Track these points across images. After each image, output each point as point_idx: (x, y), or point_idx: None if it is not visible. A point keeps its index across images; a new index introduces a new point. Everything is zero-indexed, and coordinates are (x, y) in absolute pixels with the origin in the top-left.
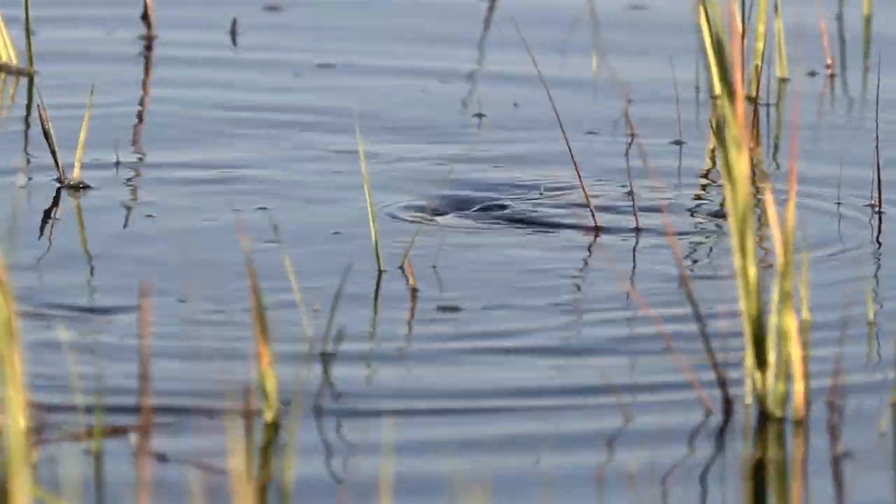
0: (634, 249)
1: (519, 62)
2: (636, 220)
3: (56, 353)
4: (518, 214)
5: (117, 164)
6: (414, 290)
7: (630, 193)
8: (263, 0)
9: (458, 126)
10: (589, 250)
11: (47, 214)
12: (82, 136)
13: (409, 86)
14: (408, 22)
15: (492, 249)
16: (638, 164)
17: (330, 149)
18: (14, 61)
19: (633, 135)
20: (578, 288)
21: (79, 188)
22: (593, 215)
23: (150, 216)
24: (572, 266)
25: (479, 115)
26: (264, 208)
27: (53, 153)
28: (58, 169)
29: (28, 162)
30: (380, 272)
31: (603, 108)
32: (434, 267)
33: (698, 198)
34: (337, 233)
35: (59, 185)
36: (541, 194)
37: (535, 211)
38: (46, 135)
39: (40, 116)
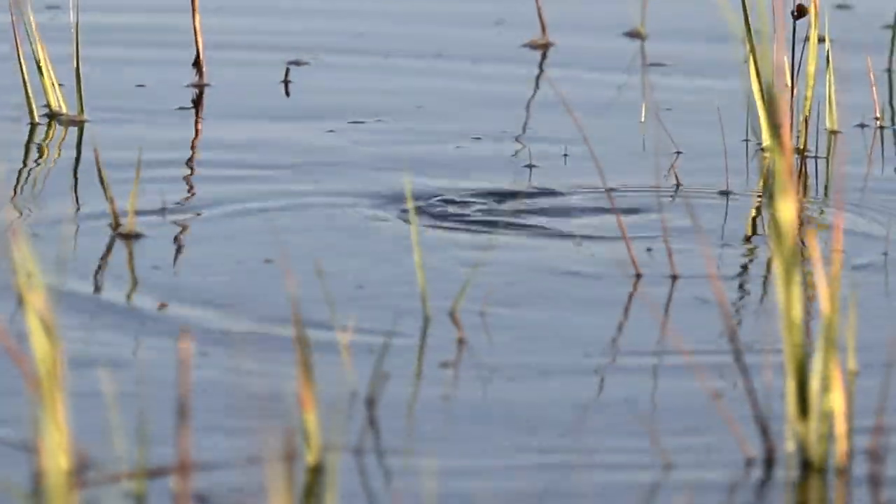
0: (673, 297)
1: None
2: (672, 267)
3: (98, 396)
4: (556, 264)
5: (163, 210)
6: (461, 340)
7: (668, 241)
8: (318, 45)
9: (510, 175)
10: (629, 298)
11: (99, 261)
12: (135, 186)
13: (453, 133)
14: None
15: (532, 299)
16: (683, 214)
17: (377, 193)
18: (63, 108)
19: (678, 184)
20: (618, 334)
21: (131, 236)
22: (634, 263)
23: (196, 263)
24: (612, 313)
25: (530, 166)
26: (310, 252)
27: (110, 200)
28: (113, 217)
29: (78, 209)
30: (426, 318)
31: (650, 158)
32: (482, 313)
33: (744, 249)
34: (379, 279)
35: (112, 231)
36: (578, 244)
37: (573, 258)
38: (102, 182)
39: (97, 163)
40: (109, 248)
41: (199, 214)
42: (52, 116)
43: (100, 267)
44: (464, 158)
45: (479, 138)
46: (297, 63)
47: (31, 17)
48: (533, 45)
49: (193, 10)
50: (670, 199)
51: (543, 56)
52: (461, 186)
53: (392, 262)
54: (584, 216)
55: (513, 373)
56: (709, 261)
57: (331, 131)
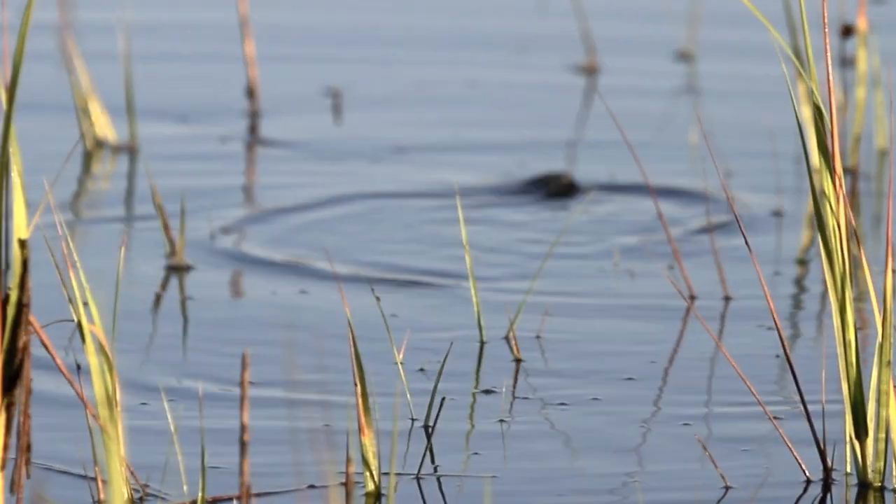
0: (727, 318)
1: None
2: (725, 288)
3: (158, 424)
4: (607, 287)
5: (213, 238)
6: (518, 361)
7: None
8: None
9: (556, 198)
10: (683, 319)
11: (153, 292)
12: (182, 220)
13: (499, 152)
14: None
15: (587, 320)
16: (736, 235)
17: (429, 219)
18: (113, 138)
19: (730, 205)
20: (673, 356)
21: (182, 269)
22: (688, 284)
23: (250, 295)
24: (666, 335)
25: (577, 187)
26: (367, 283)
27: (165, 229)
28: (169, 245)
29: (132, 238)
30: (482, 343)
31: (700, 178)
32: (538, 337)
33: (797, 269)
34: (437, 303)
35: (165, 261)
36: (616, 264)
37: (625, 280)
38: (159, 210)
39: (152, 193)
40: (162, 278)
41: (249, 244)
42: (105, 144)
43: (153, 296)
44: (508, 183)
45: (527, 159)
46: (336, 93)
47: (72, 47)
48: (581, 68)
49: (246, 37)
50: (722, 219)
51: (592, 78)
52: (509, 208)
53: (448, 292)
54: (635, 236)
55: (569, 396)
56: (763, 282)
57: (376, 160)
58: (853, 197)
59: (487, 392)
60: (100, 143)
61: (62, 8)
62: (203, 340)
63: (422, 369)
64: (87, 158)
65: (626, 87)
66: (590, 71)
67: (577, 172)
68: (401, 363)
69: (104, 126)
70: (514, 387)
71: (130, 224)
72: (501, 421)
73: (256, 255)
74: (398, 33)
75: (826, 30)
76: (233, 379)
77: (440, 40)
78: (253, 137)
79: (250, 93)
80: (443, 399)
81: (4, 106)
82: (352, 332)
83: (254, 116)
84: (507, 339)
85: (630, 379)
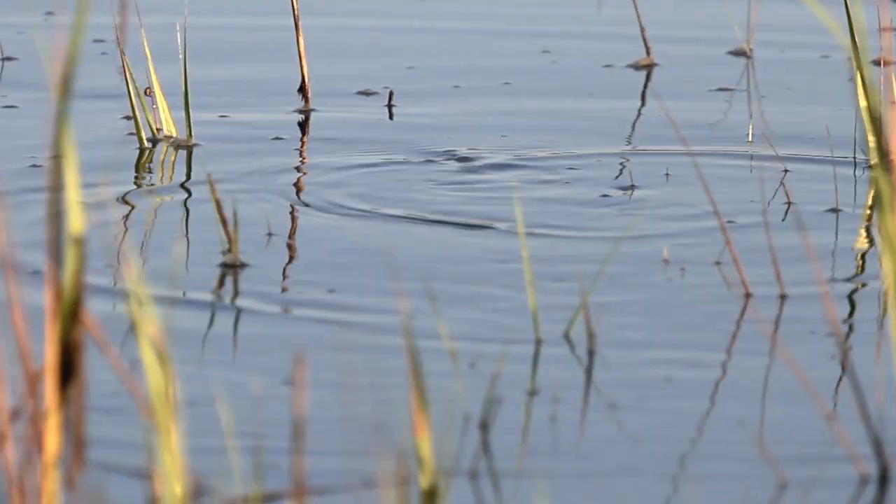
0: (783, 317)
1: (672, 133)
2: (781, 286)
3: (213, 423)
4: (662, 285)
5: (269, 235)
6: (574, 358)
7: (776, 260)
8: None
9: (605, 198)
10: (739, 318)
11: (208, 288)
12: (236, 217)
13: (557, 166)
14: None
15: (642, 321)
16: (793, 232)
17: (482, 212)
18: (174, 133)
19: (789, 203)
20: (728, 355)
21: (237, 265)
22: (744, 283)
23: (303, 293)
24: (722, 333)
25: (631, 187)
26: (420, 280)
27: (224, 223)
28: (230, 243)
29: (188, 235)
30: (538, 340)
31: (757, 176)
32: (592, 335)
33: (854, 267)
34: (495, 300)
35: (221, 257)
36: (682, 270)
37: (680, 278)
38: (216, 206)
39: (211, 190)
40: (217, 275)
41: (303, 239)
42: (161, 140)
43: (209, 292)
44: (564, 178)
45: (581, 158)
46: (390, 100)
47: (145, 40)
48: (637, 66)
49: (298, 35)
50: (778, 217)
51: (648, 76)
52: (565, 205)
53: (502, 278)
54: (690, 235)
55: (624, 394)
56: (819, 280)
57: (429, 161)
58: None
59: (540, 391)
60: (156, 139)
61: (119, 7)
62: (257, 338)
63: (473, 365)
64: (143, 154)
65: (681, 84)
66: (646, 67)
67: (632, 169)
68: (453, 357)
69: (160, 121)
70: (570, 385)
71: (186, 220)
72: (556, 419)
73: (311, 252)
74: (444, 36)
75: (886, 31)
76: (287, 375)
77: (494, 34)
78: (306, 133)
79: (303, 89)
80: (498, 398)
81: (58, 100)
82: (407, 325)
83: (307, 113)
84: (565, 335)
85: (685, 377)
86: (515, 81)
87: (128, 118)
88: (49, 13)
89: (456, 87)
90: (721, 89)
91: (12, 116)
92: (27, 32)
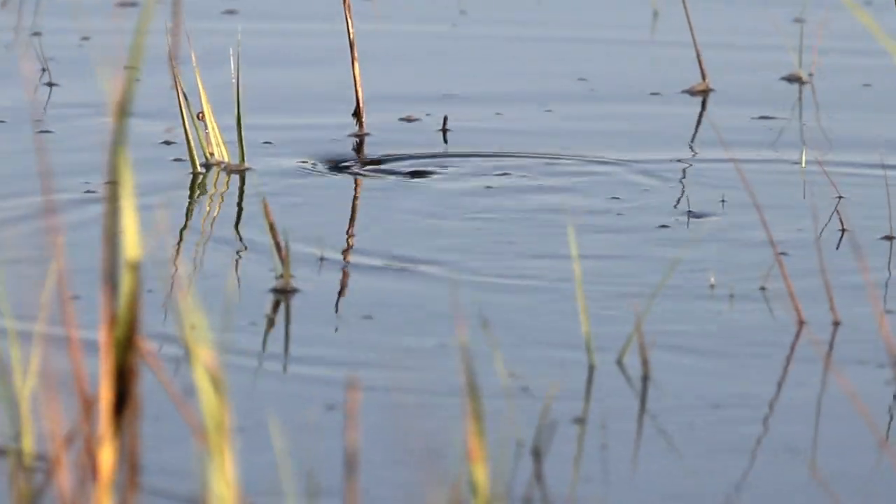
0: (837, 344)
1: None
2: (835, 313)
3: (266, 450)
4: (714, 310)
5: (322, 260)
6: (627, 386)
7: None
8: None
9: (668, 217)
10: (793, 345)
11: (261, 314)
12: (287, 243)
13: (611, 173)
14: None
15: (696, 347)
16: (847, 259)
17: (539, 253)
18: (226, 158)
19: (843, 229)
20: (783, 379)
21: (290, 291)
22: (797, 310)
23: (354, 319)
24: (775, 359)
25: (689, 213)
26: (476, 299)
27: (277, 248)
28: (284, 268)
29: (241, 260)
30: (591, 367)
31: (811, 202)
32: (645, 362)
33: None
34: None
35: (273, 282)
36: (731, 297)
37: (731, 304)
38: (270, 231)
39: (265, 213)
40: (270, 300)
41: (356, 267)
42: (213, 165)
43: (261, 317)
44: (616, 206)
45: (636, 181)
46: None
47: (196, 67)
48: (693, 91)
49: (353, 59)
50: (832, 243)
51: (704, 101)
52: (620, 233)
53: (557, 307)
54: (743, 262)
55: (675, 421)
56: (875, 307)
57: (489, 187)
58: None
59: (591, 418)
60: (208, 163)
61: (173, 35)
62: (308, 364)
63: (525, 388)
64: (196, 178)
65: (736, 109)
66: (701, 92)
67: (690, 193)
68: (507, 380)
69: (213, 146)
70: (622, 412)
71: (239, 245)
72: (607, 446)
73: (363, 277)
74: (506, 64)
75: None
76: (338, 401)
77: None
78: (360, 160)
79: (357, 115)
80: (553, 423)
81: (115, 126)
82: (465, 352)
83: (361, 138)
84: (618, 362)
85: (737, 402)
86: (557, 108)
87: (167, 143)
88: (84, 38)
89: (498, 114)
90: (768, 117)
91: (61, 140)
92: (60, 59)
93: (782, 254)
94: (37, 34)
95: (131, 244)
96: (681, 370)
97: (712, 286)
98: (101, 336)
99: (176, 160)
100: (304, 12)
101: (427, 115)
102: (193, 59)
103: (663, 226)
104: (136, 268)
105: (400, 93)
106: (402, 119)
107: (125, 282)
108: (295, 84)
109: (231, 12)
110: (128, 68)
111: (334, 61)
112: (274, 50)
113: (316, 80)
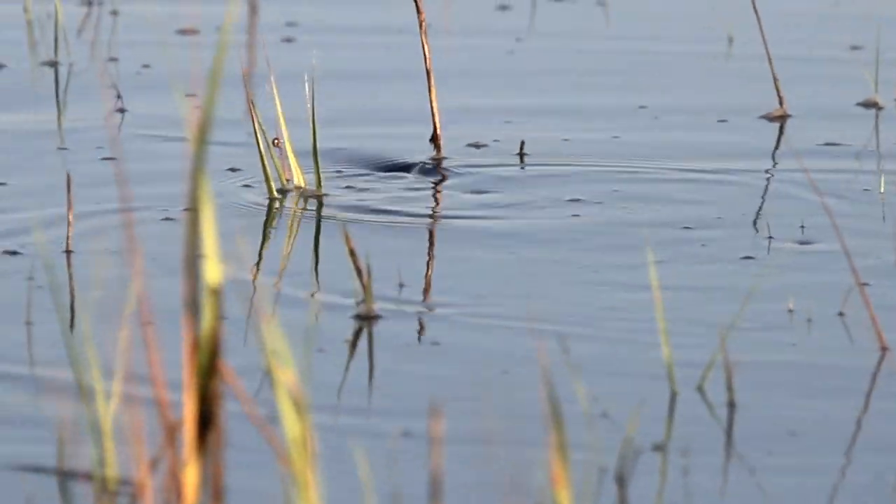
0: None
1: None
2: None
3: (349, 475)
4: (795, 340)
5: (401, 286)
6: (708, 412)
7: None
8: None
9: (747, 245)
10: (875, 372)
11: (342, 340)
12: (368, 268)
13: (688, 205)
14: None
15: (776, 371)
16: None
17: (610, 264)
18: (303, 184)
19: None
20: (864, 411)
21: (371, 317)
22: (880, 337)
23: (436, 345)
24: (856, 388)
25: (769, 237)
26: (556, 333)
27: (358, 274)
28: (366, 295)
29: (320, 286)
30: (673, 393)
31: (892, 232)
32: (728, 388)
33: None
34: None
35: (354, 309)
36: (808, 321)
37: (808, 335)
38: (351, 256)
39: (346, 240)
40: (352, 326)
41: (436, 289)
42: (290, 191)
43: (343, 343)
44: (691, 237)
45: (718, 218)
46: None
47: (276, 91)
48: (770, 117)
49: (430, 85)
50: None
51: (781, 128)
52: (702, 263)
53: (637, 330)
54: (824, 289)
55: (757, 447)
56: None
57: (575, 215)
58: None
59: (673, 444)
60: (285, 189)
61: (247, 59)
62: (391, 390)
63: (605, 415)
64: (273, 204)
65: (814, 133)
66: (779, 119)
67: (768, 221)
68: (588, 407)
69: (290, 172)
70: (703, 438)
71: (318, 271)
72: (689, 472)
73: (443, 306)
74: (577, 97)
75: None
76: (420, 429)
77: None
78: (439, 183)
79: (435, 139)
80: (636, 451)
81: (195, 153)
82: (546, 377)
83: (439, 162)
84: (698, 388)
85: (816, 432)
86: (624, 135)
87: (233, 170)
88: (145, 66)
89: (565, 140)
90: (853, 141)
91: (141, 164)
92: (124, 86)
93: (864, 284)
94: (113, 59)
95: (212, 270)
96: (762, 397)
97: (790, 310)
98: (185, 361)
99: (245, 186)
100: (359, 24)
101: (495, 140)
102: (273, 83)
103: (748, 257)
104: (217, 294)
105: (471, 112)
106: (469, 145)
107: (207, 307)
108: (367, 100)
109: (291, 24)
110: (205, 94)
111: (404, 76)
112: (338, 64)
113: (388, 96)
